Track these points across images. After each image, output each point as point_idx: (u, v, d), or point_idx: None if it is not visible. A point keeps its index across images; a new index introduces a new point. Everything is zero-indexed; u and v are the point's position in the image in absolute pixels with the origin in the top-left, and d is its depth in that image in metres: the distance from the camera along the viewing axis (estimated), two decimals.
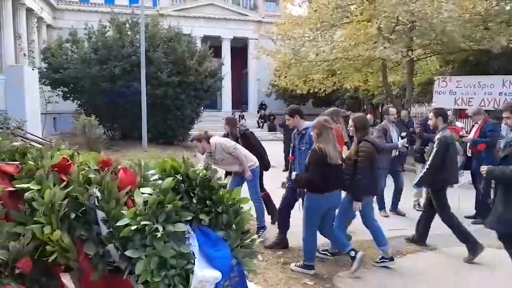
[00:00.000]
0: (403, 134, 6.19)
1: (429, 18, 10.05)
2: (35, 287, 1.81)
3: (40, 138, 3.66)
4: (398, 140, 6.27)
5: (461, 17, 10.19)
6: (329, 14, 12.03)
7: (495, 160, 6.08)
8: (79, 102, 17.39)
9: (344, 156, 4.32)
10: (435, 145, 4.70)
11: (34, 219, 1.77)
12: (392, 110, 6.58)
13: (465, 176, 6.52)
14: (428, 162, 4.73)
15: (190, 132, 18.75)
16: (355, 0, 12.11)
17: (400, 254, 4.80)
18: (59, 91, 17.17)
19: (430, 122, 5.13)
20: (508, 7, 11.10)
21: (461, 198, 6.34)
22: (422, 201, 6.93)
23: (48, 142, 2.79)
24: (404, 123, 8.10)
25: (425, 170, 4.78)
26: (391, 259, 4.40)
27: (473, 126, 6.60)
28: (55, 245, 1.78)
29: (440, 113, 4.88)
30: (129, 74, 15.59)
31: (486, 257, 4.55)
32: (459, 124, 8.01)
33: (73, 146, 2.59)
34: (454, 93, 10.96)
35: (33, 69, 12.14)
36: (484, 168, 3.54)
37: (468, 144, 6.36)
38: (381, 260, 4.37)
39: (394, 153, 6.28)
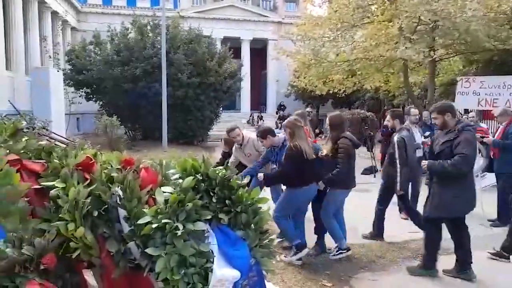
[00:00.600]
0: (427, 133, 6.11)
1: (452, 17, 9.85)
2: (58, 283, 1.85)
3: (64, 138, 3.75)
4: (421, 140, 6.18)
5: (486, 16, 9.96)
6: (350, 14, 11.93)
7: None
8: (101, 102, 17.74)
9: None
10: (396, 148, 4.89)
11: (59, 216, 1.83)
12: (414, 111, 6.49)
13: (488, 178, 6.37)
14: (398, 166, 4.85)
15: (209, 133, 18.91)
16: (376, 0, 11.97)
17: (419, 257, 4.72)
18: (82, 92, 17.56)
19: (388, 124, 5.45)
20: None
21: (484, 201, 6.21)
22: None
23: (72, 142, 2.86)
24: (427, 124, 7.96)
25: (398, 174, 4.85)
26: (348, 249, 4.53)
27: (498, 127, 6.44)
28: (78, 242, 1.83)
29: (397, 115, 5.25)
30: (150, 75, 15.81)
31: (504, 261, 4.49)
32: (483, 125, 7.82)
33: (95, 146, 2.64)
34: (478, 94, 10.69)
35: (58, 71, 12.46)
36: (425, 163, 3.99)
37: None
38: (338, 252, 4.50)
39: (418, 153, 6.17)
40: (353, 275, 4.13)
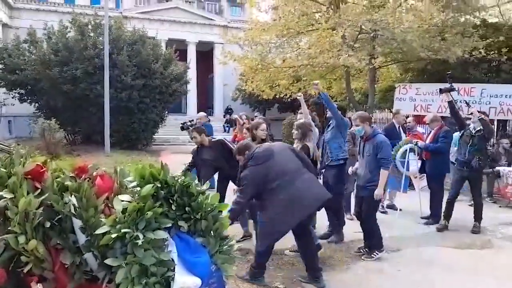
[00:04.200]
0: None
1: (391, 28, 10.41)
2: None
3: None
4: None
5: (420, 27, 10.63)
6: (295, 21, 12.21)
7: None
8: (37, 104, 16.75)
9: None
10: None
11: (8, 228, 1.71)
12: None
13: (425, 180, 6.82)
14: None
15: (154, 136, 18.47)
16: (320, 8, 12.36)
17: (366, 253, 4.93)
18: (15, 93, 16.48)
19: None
20: (462, 19, 11.71)
21: (422, 201, 6.64)
22: (386, 202, 7.19)
23: (7, 147, 2.69)
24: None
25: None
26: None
27: (430, 132, 6.95)
28: (30, 255, 1.73)
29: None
30: (92, 76, 15.19)
31: (443, 256, 4.85)
32: (420, 129, 8.33)
33: (32, 151, 2.51)
34: (414, 100, 11.39)
35: None
36: None
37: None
38: None
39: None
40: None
